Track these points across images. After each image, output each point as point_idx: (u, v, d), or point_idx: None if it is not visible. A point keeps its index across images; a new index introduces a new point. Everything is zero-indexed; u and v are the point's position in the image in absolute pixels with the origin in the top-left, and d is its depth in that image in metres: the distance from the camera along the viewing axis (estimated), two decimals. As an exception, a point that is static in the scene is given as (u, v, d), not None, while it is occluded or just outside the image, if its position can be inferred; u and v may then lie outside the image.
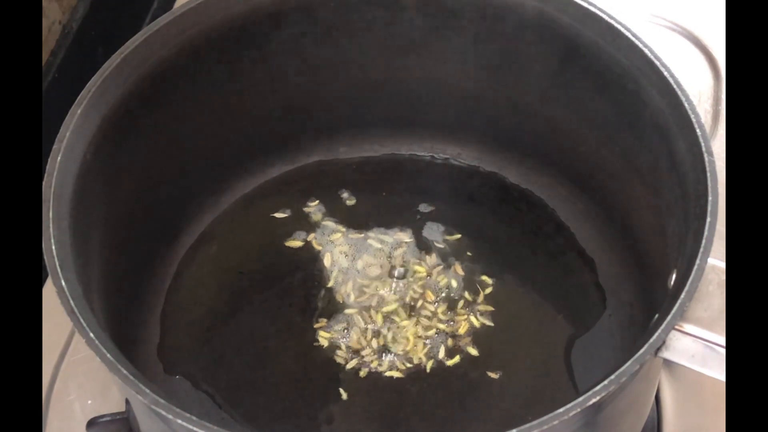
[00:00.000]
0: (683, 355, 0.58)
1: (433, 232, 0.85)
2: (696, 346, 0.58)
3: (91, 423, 0.76)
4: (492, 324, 0.79)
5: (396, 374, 0.76)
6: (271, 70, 0.81)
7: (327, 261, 0.83)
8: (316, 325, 0.78)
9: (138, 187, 0.75)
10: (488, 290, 0.81)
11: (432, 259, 0.83)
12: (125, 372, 0.55)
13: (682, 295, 0.57)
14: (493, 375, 0.76)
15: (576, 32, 0.73)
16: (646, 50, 0.69)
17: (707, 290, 0.59)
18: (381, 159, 0.89)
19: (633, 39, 0.69)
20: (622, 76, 0.71)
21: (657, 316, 0.59)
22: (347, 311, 0.80)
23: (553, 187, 0.86)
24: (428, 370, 0.76)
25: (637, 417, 0.71)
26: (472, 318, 0.79)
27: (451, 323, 0.79)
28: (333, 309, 0.80)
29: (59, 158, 0.64)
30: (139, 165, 0.75)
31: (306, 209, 0.86)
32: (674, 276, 0.63)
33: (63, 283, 0.59)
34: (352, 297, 0.80)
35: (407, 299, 0.80)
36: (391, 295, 0.80)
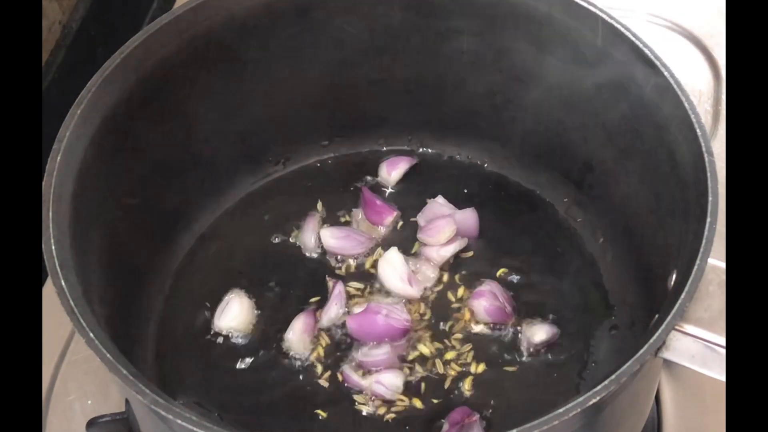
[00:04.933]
0: (683, 355, 0.58)
1: (433, 232, 0.84)
2: (696, 346, 0.58)
3: (91, 423, 0.76)
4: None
5: (397, 402, 0.75)
6: (271, 69, 0.81)
7: (327, 263, 0.83)
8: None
9: (138, 187, 0.75)
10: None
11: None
12: (125, 372, 0.55)
13: (682, 296, 0.57)
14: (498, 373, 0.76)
15: (576, 32, 0.73)
16: (646, 50, 0.69)
17: (707, 290, 0.59)
18: (381, 159, 0.89)
19: (633, 39, 0.69)
20: (621, 75, 0.71)
21: (657, 316, 0.59)
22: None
23: (554, 187, 0.86)
24: (430, 376, 0.76)
25: (637, 417, 0.71)
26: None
27: (451, 326, 0.79)
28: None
29: (59, 158, 0.64)
30: (139, 165, 0.75)
31: (306, 210, 0.86)
32: (674, 276, 0.63)
33: (63, 283, 0.59)
34: (350, 300, 0.81)
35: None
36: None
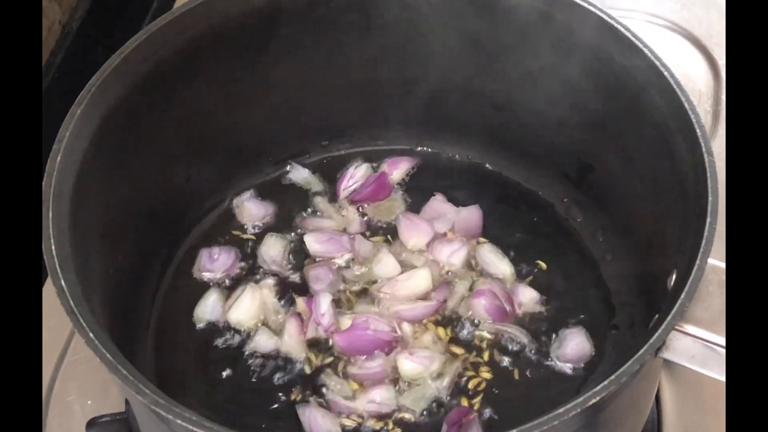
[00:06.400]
0: (683, 356, 0.58)
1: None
2: (696, 346, 0.58)
3: (91, 423, 0.76)
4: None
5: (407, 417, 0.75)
6: (270, 70, 0.81)
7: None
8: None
9: (138, 187, 0.75)
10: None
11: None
12: (125, 372, 0.55)
13: (682, 296, 0.57)
14: (494, 374, 0.76)
15: (576, 32, 0.73)
16: (646, 50, 0.69)
17: (707, 290, 0.59)
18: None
19: (633, 39, 0.70)
20: (622, 76, 0.71)
21: (657, 316, 0.59)
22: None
23: (554, 187, 0.86)
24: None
25: (637, 417, 0.71)
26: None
27: (452, 327, 0.79)
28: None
29: (59, 158, 0.64)
30: (138, 165, 0.75)
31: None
32: (674, 276, 0.63)
33: (63, 283, 0.59)
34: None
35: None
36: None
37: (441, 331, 0.78)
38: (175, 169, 0.81)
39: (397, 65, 0.83)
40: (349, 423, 0.73)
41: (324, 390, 0.75)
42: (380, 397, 0.74)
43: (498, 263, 0.81)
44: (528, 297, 0.79)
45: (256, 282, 0.81)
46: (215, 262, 0.82)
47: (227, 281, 0.82)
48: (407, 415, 0.74)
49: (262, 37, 0.78)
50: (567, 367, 0.76)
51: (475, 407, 0.74)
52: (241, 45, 0.78)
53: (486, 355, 0.77)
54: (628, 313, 0.78)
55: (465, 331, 0.78)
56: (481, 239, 0.83)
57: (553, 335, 0.77)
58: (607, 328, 0.78)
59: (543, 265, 0.82)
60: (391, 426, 0.73)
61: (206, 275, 0.82)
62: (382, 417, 0.73)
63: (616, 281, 0.80)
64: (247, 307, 0.79)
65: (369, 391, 0.74)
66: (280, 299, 0.80)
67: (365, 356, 0.76)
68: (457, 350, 0.77)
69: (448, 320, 0.79)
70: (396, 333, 0.76)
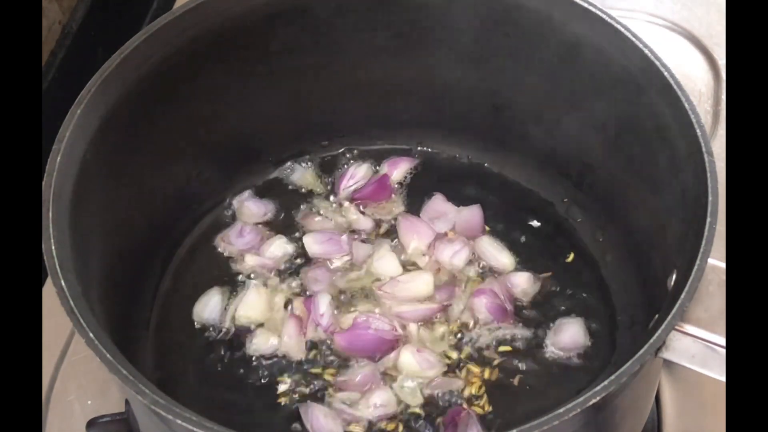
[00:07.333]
0: (683, 356, 0.58)
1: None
2: (696, 346, 0.58)
3: (91, 423, 0.76)
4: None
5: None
6: (271, 70, 0.81)
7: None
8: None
9: (138, 187, 0.75)
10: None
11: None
12: (125, 372, 0.55)
13: (682, 296, 0.57)
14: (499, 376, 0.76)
15: (576, 32, 0.73)
16: (646, 50, 0.69)
17: (707, 290, 0.59)
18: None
19: (633, 39, 0.70)
20: (622, 76, 0.71)
21: (657, 316, 0.59)
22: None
23: (554, 187, 0.86)
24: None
25: (637, 417, 0.71)
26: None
27: (452, 327, 0.79)
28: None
29: (59, 158, 0.64)
30: (138, 165, 0.75)
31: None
32: (674, 276, 0.63)
33: (63, 283, 0.59)
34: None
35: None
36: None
37: (443, 331, 0.78)
38: (175, 169, 0.81)
39: (397, 65, 0.83)
40: (359, 429, 0.73)
41: (328, 400, 0.75)
42: (381, 400, 0.73)
43: (498, 255, 0.81)
44: (523, 280, 0.80)
45: (262, 280, 0.81)
46: (241, 239, 0.82)
47: (234, 265, 0.82)
48: (415, 409, 0.74)
49: (262, 37, 0.78)
50: (567, 367, 0.76)
51: (480, 407, 0.74)
52: (241, 45, 0.78)
53: (486, 355, 0.77)
54: (628, 313, 0.78)
55: (466, 331, 0.78)
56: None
57: (550, 325, 0.78)
58: (607, 329, 0.78)
59: (544, 266, 0.82)
60: (393, 425, 0.73)
61: (228, 248, 0.82)
62: (390, 419, 0.73)
63: (615, 282, 0.80)
64: (255, 303, 0.79)
65: (369, 396, 0.74)
66: (286, 306, 0.80)
67: (356, 362, 0.76)
68: (457, 352, 0.77)
69: (450, 320, 0.79)
70: (397, 332, 0.76)
